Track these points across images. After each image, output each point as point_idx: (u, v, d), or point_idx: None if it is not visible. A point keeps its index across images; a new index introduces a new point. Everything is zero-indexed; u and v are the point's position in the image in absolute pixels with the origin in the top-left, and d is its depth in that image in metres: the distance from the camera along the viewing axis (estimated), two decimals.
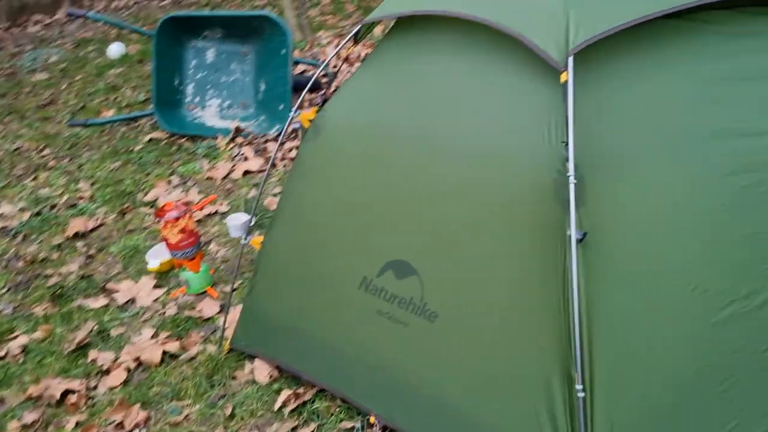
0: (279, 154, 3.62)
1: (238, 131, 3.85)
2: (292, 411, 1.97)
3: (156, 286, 2.67)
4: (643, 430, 1.44)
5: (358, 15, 6.44)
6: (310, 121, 1.96)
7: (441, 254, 1.68)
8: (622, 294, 1.45)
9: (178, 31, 4.00)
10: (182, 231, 2.48)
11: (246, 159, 3.62)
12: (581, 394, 1.37)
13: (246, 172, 3.50)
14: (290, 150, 3.60)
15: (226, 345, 2.22)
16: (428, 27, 1.81)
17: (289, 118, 2.02)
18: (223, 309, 2.48)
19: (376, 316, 1.81)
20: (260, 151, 3.67)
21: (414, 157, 1.75)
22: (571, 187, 1.38)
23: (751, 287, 1.53)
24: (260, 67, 4.03)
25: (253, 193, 3.30)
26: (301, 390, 2.02)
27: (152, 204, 3.32)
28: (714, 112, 1.59)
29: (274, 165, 3.54)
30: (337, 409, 1.95)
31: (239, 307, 2.38)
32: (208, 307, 2.49)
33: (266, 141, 3.75)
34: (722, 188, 1.54)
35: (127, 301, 2.60)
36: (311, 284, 1.98)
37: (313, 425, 1.91)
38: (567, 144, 1.42)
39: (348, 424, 1.88)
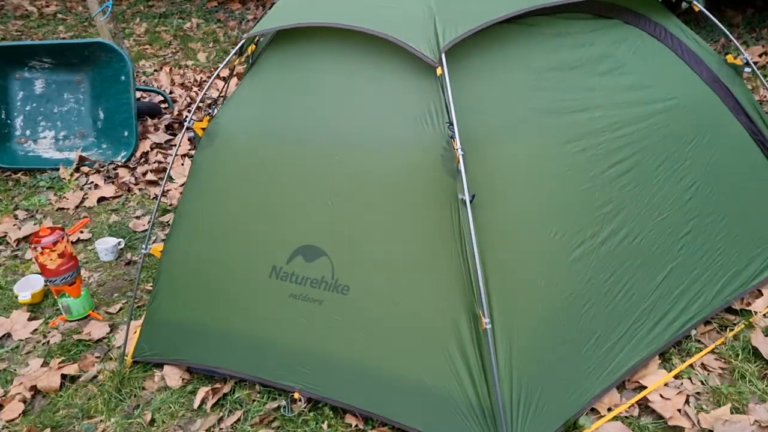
0: (132, 179, 3.60)
1: (82, 160, 3.75)
2: (214, 405, 2.06)
3: (31, 318, 2.57)
4: (532, 346, 1.77)
5: (177, 44, 6.44)
6: (203, 129, 2.09)
7: (347, 234, 1.90)
8: (504, 242, 1.78)
9: (1, 63, 3.81)
10: (61, 255, 2.44)
11: (97, 187, 3.55)
12: (489, 326, 1.67)
13: (101, 199, 3.44)
14: (144, 174, 3.59)
15: (129, 358, 2.24)
16: (308, 36, 2.04)
17: (185, 127, 2.12)
18: (113, 329, 2.48)
19: (290, 299, 1.99)
20: (111, 178, 3.62)
21: (309, 152, 1.95)
22: (461, 158, 1.69)
23: (594, 230, 1.95)
24: (97, 95, 3.95)
25: (114, 218, 3.26)
26: (218, 385, 2.12)
27: (1, 240, 3.14)
28: (546, 95, 1.98)
29: (129, 189, 3.52)
30: (258, 395, 2.08)
31: (133, 323, 2.42)
32: (97, 329, 2.46)
33: (116, 168, 3.69)
34: (561, 154, 1.94)
35: (1, 337, 2.49)
36: (218, 283, 2.09)
37: (238, 413, 2.02)
38: (451, 124, 1.73)
39: (273, 404, 2.02)
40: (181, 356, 2.17)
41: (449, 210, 1.76)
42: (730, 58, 2.36)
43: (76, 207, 3.40)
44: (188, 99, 4.40)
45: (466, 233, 1.72)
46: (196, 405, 2.07)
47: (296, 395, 1.99)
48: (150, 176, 3.55)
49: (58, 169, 3.74)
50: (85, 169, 3.72)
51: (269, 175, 2.01)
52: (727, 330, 2.14)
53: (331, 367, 1.95)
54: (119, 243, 2.96)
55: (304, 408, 1.99)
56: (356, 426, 1.93)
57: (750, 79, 3.65)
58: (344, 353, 1.93)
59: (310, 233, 1.96)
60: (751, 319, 2.15)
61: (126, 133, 3.84)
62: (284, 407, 2.01)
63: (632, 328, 1.98)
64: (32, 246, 2.41)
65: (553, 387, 1.81)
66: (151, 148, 3.85)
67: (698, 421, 1.83)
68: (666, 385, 1.96)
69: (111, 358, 2.31)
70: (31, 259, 2.99)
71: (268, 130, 2.02)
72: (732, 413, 1.84)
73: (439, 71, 1.78)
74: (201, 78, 4.89)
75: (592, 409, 1.89)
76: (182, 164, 3.68)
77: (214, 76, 2.17)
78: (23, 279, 2.73)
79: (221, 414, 2.03)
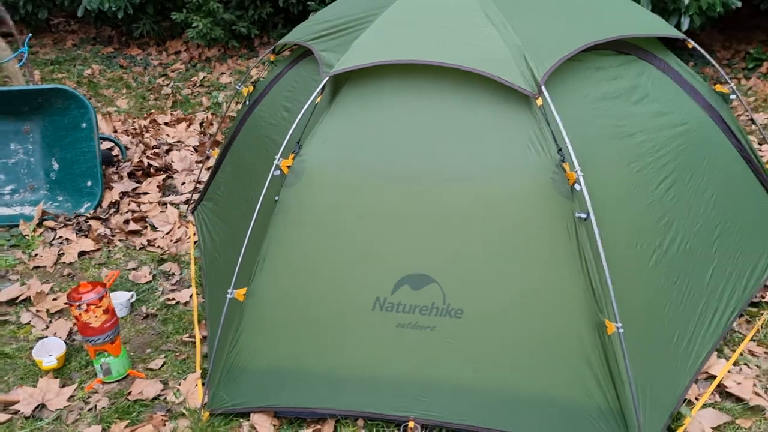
0: (107, 230, 3.37)
1: (43, 214, 3.46)
2: None
3: (61, 385, 2.34)
4: (639, 348, 1.94)
5: (85, 91, 6.09)
6: (288, 167, 2.08)
7: (456, 259, 1.97)
8: (611, 254, 1.95)
9: None
10: (105, 311, 2.27)
11: (69, 241, 3.29)
12: (621, 330, 1.82)
13: (81, 254, 3.19)
14: (127, 222, 3.39)
15: (205, 412, 2.12)
16: (387, 73, 2.11)
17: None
18: (165, 385, 2.33)
19: (397, 329, 2.01)
20: (84, 231, 3.37)
21: (406, 185, 2.00)
22: (581, 179, 1.84)
23: (659, 239, 2.17)
24: (49, 145, 3.67)
25: (106, 271, 3.05)
26: (318, 426, 2.07)
27: None
28: (604, 122, 2.19)
29: (110, 241, 3.30)
30: (363, 431, 2.06)
31: (191, 376, 2.30)
32: (148, 387, 2.30)
33: (87, 219, 3.44)
34: (627, 174, 2.15)
35: (35, 408, 2.24)
36: (313, 320, 2.06)
37: None
38: (561, 150, 1.89)
39: None
40: (271, 401, 2.10)
41: (565, 228, 1.90)
42: (718, 87, 2.73)
43: (55, 263, 3.13)
44: (142, 146, 4.19)
45: (588, 247, 1.87)
46: None
47: (411, 424, 2.00)
48: (133, 226, 3.35)
49: (15, 226, 3.41)
50: (50, 223, 3.43)
51: (363, 208, 2.04)
52: (757, 320, 2.45)
53: (448, 392, 1.99)
54: (132, 296, 2.78)
55: None
56: None
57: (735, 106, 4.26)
58: (462, 376, 1.99)
59: (415, 262, 2.00)
60: None
61: (89, 183, 3.59)
62: None
63: (698, 325, 2.22)
64: (75, 304, 2.22)
65: (656, 384, 1.98)
66: (120, 197, 3.63)
67: None
68: (729, 372, 2.21)
69: (183, 414, 2.17)
70: (28, 323, 2.71)
71: (359, 164, 2.05)
72: None
73: (539, 102, 1.94)
74: (143, 124, 4.67)
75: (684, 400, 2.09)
76: (162, 211, 3.51)
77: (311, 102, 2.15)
78: (39, 344, 2.48)
79: None
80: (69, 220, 3.45)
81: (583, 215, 1.86)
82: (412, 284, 2.00)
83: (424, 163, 2.01)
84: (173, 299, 2.80)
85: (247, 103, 3.14)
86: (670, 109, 2.48)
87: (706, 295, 2.29)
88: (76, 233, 3.35)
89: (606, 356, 1.88)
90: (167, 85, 6.06)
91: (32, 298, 2.82)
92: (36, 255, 3.19)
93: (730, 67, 5.44)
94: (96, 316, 2.25)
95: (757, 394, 2.11)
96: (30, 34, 5.01)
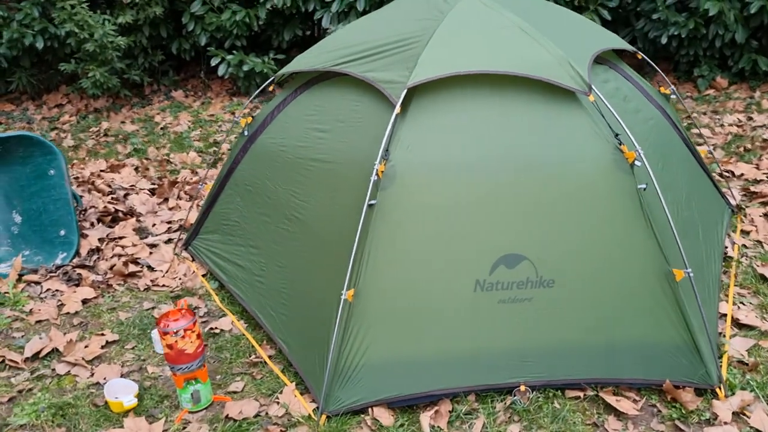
0: (98, 277, 3.22)
1: (21, 270, 3.22)
2: (449, 423, 2.18)
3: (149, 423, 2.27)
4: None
5: None
6: (382, 172, 2.25)
7: (542, 237, 2.27)
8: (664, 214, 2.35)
9: None
10: (198, 336, 2.26)
11: (62, 293, 3.10)
12: (691, 274, 2.21)
13: (85, 301, 3.03)
14: (125, 264, 3.25)
15: (323, 416, 2.19)
16: (450, 83, 2.38)
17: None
18: (261, 402, 2.35)
19: (499, 305, 2.26)
20: (75, 280, 3.19)
21: (489, 177, 2.27)
22: (642, 155, 2.24)
23: (673, 206, 2.64)
24: (8, 197, 3.43)
25: (124, 315, 2.93)
26: (436, 407, 2.23)
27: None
28: (622, 116, 2.64)
29: (109, 286, 3.16)
30: (477, 403, 2.25)
31: (286, 389, 2.36)
32: (246, 406, 2.30)
33: (74, 268, 3.26)
34: (651, 154, 2.60)
35: None
36: (421, 310, 2.24)
37: (479, 421, 2.18)
38: (617, 135, 2.28)
39: (503, 404, 2.23)
40: (386, 393, 2.23)
41: (629, 198, 2.28)
42: (662, 89, 3.33)
43: (59, 315, 2.94)
44: (96, 192, 4.00)
45: (654, 208, 2.26)
46: (426, 431, 2.16)
47: (522, 388, 2.24)
48: (132, 267, 3.23)
49: None
50: (30, 277, 3.20)
51: (453, 202, 2.27)
52: (730, 269, 3.00)
53: (549, 353, 2.27)
54: None
55: (533, 395, 2.25)
56: (584, 395, 2.26)
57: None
58: (560, 336, 2.27)
59: (507, 244, 2.27)
60: (735, 260, 3.06)
61: (63, 232, 3.40)
62: (517, 401, 2.23)
63: (707, 274, 2.69)
64: (172, 331, 2.19)
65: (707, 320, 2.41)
66: (101, 242, 3.47)
67: None
68: (733, 309, 2.71)
69: (299, 422, 2.22)
70: (68, 373, 2.55)
71: (445, 163, 2.28)
72: None
73: (591, 98, 2.32)
74: (86, 172, 4.43)
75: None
76: (150, 253, 3.42)
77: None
78: (107, 385, 2.37)
79: (463, 428, 2.17)
80: (51, 271, 3.25)
81: (643, 186, 2.26)
82: (507, 263, 2.26)
83: (501, 157, 2.30)
84: (216, 328, 2.79)
85: (246, 133, 3.22)
86: (641, 107, 2.99)
87: (703, 250, 2.79)
88: (67, 284, 3.17)
89: (676, 300, 2.27)
90: (65, 138, 5.74)
91: (62, 349, 2.65)
92: (31, 310, 2.97)
93: None
94: (191, 341, 2.23)
95: (763, 321, 2.62)
96: None
